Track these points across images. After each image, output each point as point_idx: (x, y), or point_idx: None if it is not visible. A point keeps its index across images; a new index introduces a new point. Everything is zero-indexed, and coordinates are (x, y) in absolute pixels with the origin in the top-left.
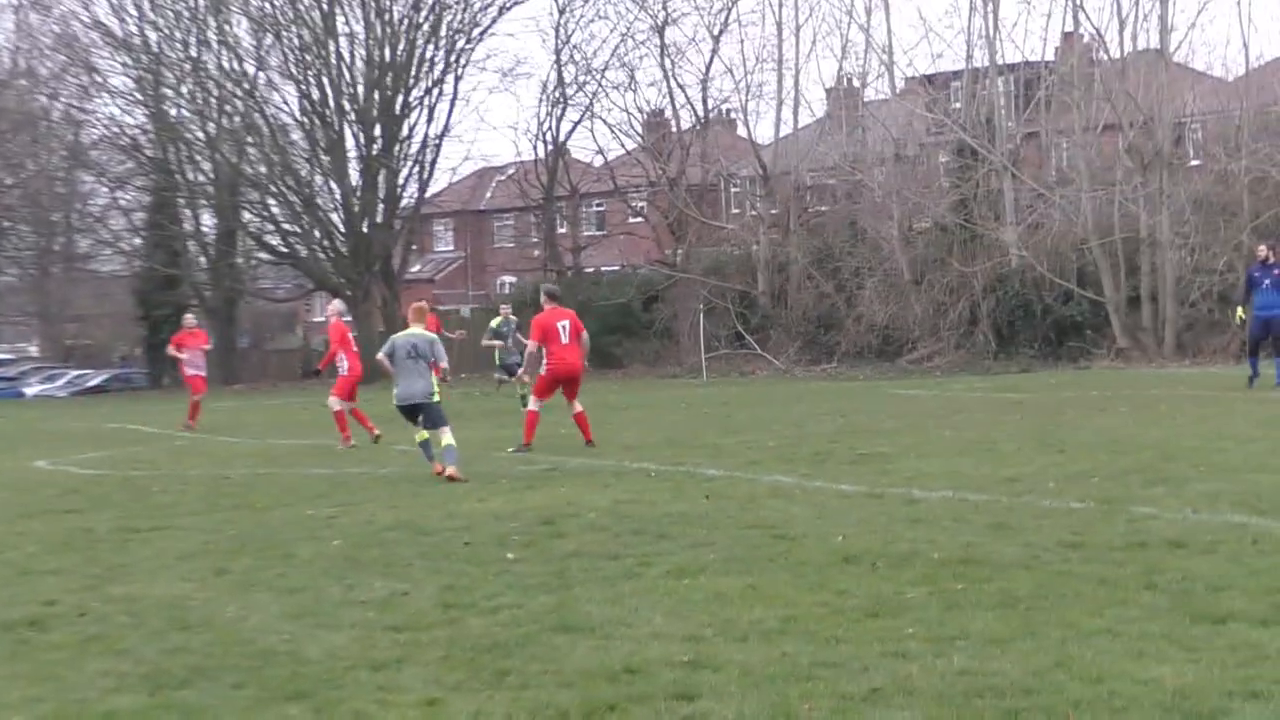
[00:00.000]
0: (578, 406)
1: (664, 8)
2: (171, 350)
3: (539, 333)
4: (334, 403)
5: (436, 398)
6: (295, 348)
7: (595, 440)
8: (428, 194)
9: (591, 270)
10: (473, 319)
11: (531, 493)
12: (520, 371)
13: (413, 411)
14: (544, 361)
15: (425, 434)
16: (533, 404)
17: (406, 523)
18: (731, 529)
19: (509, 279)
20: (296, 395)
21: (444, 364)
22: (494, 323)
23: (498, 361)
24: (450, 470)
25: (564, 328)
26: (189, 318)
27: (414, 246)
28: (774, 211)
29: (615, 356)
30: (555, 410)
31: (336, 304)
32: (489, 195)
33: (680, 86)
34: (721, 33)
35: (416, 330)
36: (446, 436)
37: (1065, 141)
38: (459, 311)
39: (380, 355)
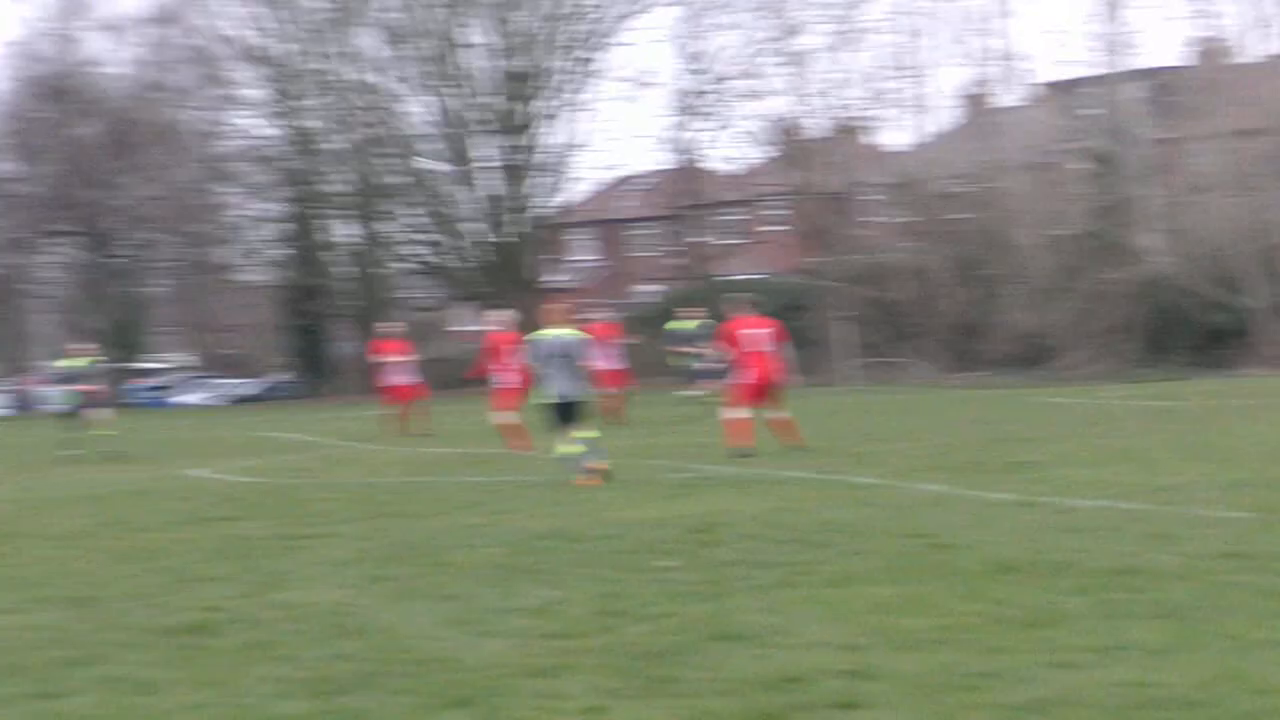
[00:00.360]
0: (778, 414)
1: (793, 16)
2: (374, 358)
3: (730, 339)
4: (499, 417)
5: (588, 398)
6: (438, 357)
7: (804, 442)
8: (563, 203)
9: (731, 278)
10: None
11: (684, 501)
12: (709, 381)
13: (568, 411)
14: (738, 370)
15: (579, 448)
16: (736, 412)
17: (560, 530)
18: (887, 537)
19: (647, 287)
20: (443, 404)
21: (594, 366)
22: (675, 326)
23: (688, 367)
24: (580, 479)
25: (759, 334)
26: (392, 326)
27: (551, 256)
28: (911, 219)
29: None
30: (699, 422)
31: (495, 314)
32: (626, 204)
33: (810, 94)
34: (852, 40)
35: (562, 330)
36: (583, 435)
37: (1202, 147)
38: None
39: (527, 359)
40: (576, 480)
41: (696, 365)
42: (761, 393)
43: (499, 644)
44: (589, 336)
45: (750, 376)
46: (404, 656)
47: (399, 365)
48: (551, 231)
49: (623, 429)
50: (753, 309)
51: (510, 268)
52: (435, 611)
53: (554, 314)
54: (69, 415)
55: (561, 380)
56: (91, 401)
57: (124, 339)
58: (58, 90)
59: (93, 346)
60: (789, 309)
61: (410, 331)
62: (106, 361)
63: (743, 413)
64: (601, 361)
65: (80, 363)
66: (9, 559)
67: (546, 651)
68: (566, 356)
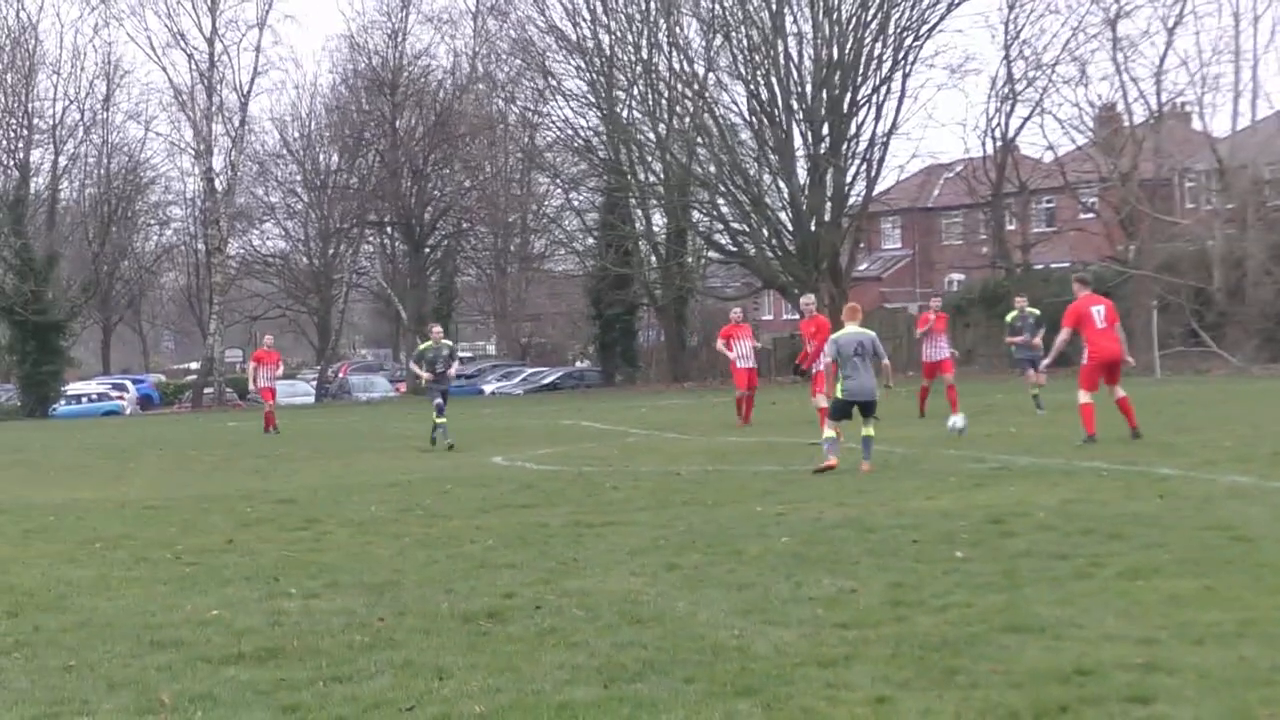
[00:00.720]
0: (1120, 392)
1: (1117, 1)
2: (719, 345)
3: (1073, 319)
4: (819, 400)
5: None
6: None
7: (1140, 428)
8: (875, 192)
9: (1040, 267)
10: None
11: (980, 491)
12: (1042, 367)
13: (865, 407)
14: (1084, 350)
15: (870, 430)
16: (1082, 397)
17: (854, 520)
18: (1186, 530)
19: (957, 276)
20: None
21: (886, 360)
22: (1009, 317)
23: (1016, 356)
24: (864, 465)
25: (1099, 313)
26: (736, 311)
27: (861, 244)
28: (1230, 206)
29: (1065, 354)
30: (1001, 411)
31: (808, 297)
32: (937, 193)
33: (1133, 80)
34: (1176, 25)
35: (858, 329)
36: (869, 428)
37: None
38: (906, 309)
39: (826, 358)
40: (862, 467)
41: (1029, 355)
42: (1105, 371)
43: (789, 633)
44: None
45: (1094, 356)
46: (694, 645)
47: (745, 352)
48: (863, 220)
49: (924, 419)
50: (1090, 287)
51: (820, 256)
52: (727, 600)
53: (853, 312)
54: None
55: (859, 377)
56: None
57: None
58: (382, 83)
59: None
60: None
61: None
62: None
63: (1087, 397)
64: (934, 352)
65: (435, 344)
66: (310, 545)
67: (837, 641)
68: (864, 354)
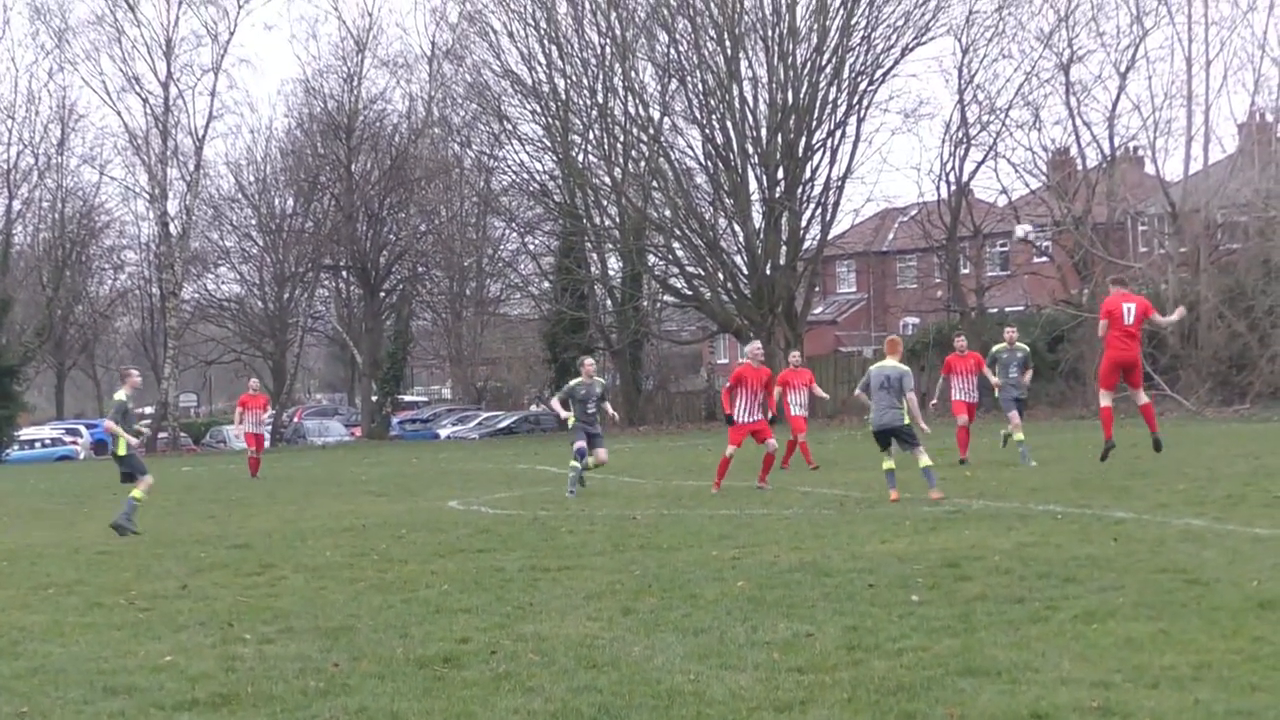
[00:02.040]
0: (1143, 398)
1: (1069, 45)
2: (776, 391)
3: (1104, 313)
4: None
5: (907, 421)
6: (700, 390)
7: (1161, 436)
8: (830, 235)
9: (995, 311)
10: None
11: (935, 534)
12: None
13: (885, 437)
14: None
15: (891, 463)
16: (1103, 399)
17: (810, 564)
18: (1141, 573)
19: (911, 320)
20: (701, 437)
21: (912, 394)
22: (996, 349)
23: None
24: (933, 494)
25: (1129, 309)
26: (795, 355)
27: (816, 288)
28: (1183, 250)
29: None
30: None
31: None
32: (891, 236)
33: (1086, 124)
34: (1129, 69)
35: (890, 362)
36: (923, 458)
37: None
38: (860, 353)
39: (858, 390)
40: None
41: (1015, 394)
42: (1123, 372)
43: (745, 677)
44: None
45: (1111, 354)
46: (650, 689)
47: (800, 395)
48: (817, 264)
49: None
50: (1125, 287)
51: (775, 300)
52: (683, 644)
53: (893, 345)
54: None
55: (879, 408)
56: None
57: (390, 371)
58: (337, 127)
59: None
60: (1051, 342)
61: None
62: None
63: (1106, 399)
64: (959, 394)
65: (587, 381)
66: (265, 590)
67: (793, 685)
68: (889, 388)
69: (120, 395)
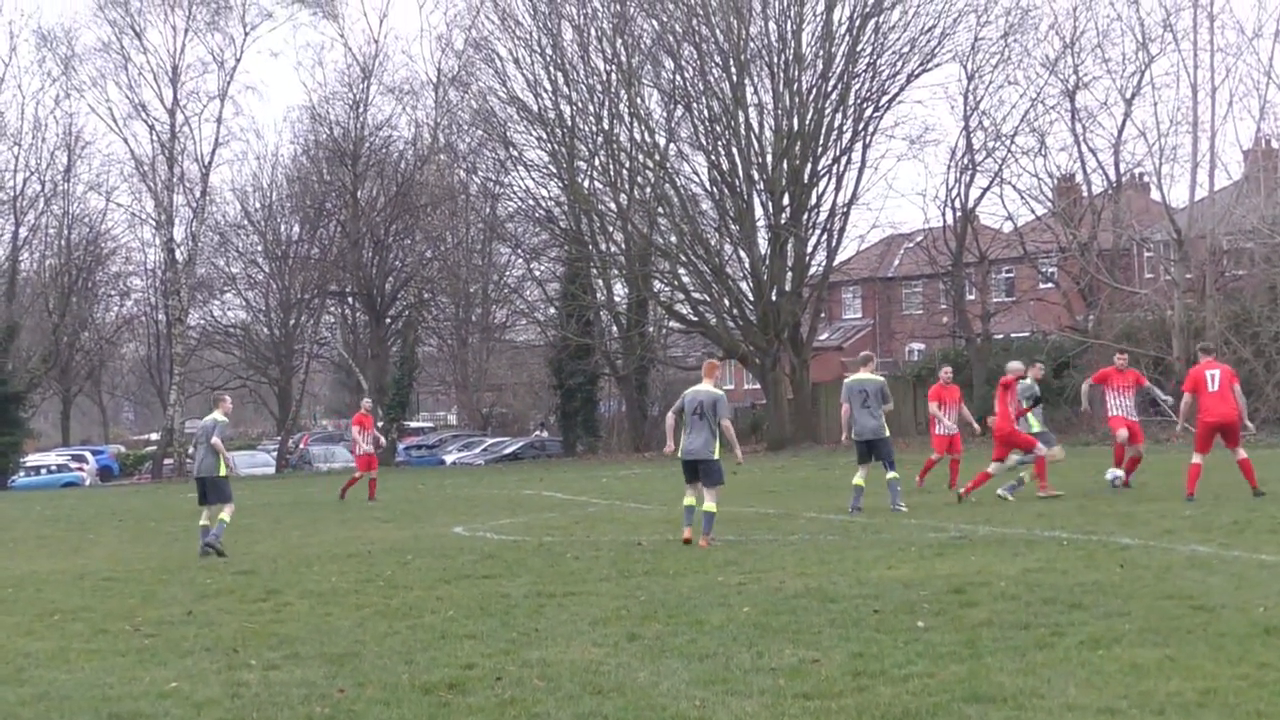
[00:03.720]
0: (1241, 454)
1: (1075, 72)
2: (933, 408)
3: (1190, 384)
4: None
5: (716, 455)
6: None
7: (1260, 486)
8: (835, 262)
9: (1000, 337)
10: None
11: (941, 560)
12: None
13: (693, 468)
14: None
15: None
16: (1195, 457)
17: (815, 590)
18: (1147, 599)
19: (917, 346)
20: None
21: (727, 421)
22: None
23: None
24: (701, 540)
25: (1213, 376)
26: (947, 371)
27: (822, 314)
28: (1189, 276)
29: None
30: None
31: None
32: (897, 263)
33: (1092, 151)
34: (1134, 96)
35: (704, 386)
36: (709, 503)
37: None
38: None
39: (670, 413)
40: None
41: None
42: (1219, 433)
43: (751, 703)
44: (723, 394)
45: (1205, 419)
46: (656, 715)
47: (950, 413)
48: (823, 290)
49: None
50: (1211, 355)
51: (780, 326)
52: (688, 670)
53: (710, 370)
54: None
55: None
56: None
57: (395, 398)
58: (343, 154)
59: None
60: (1056, 368)
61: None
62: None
63: (1198, 458)
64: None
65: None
66: (270, 616)
67: (799, 711)
68: (701, 415)
69: (217, 415)
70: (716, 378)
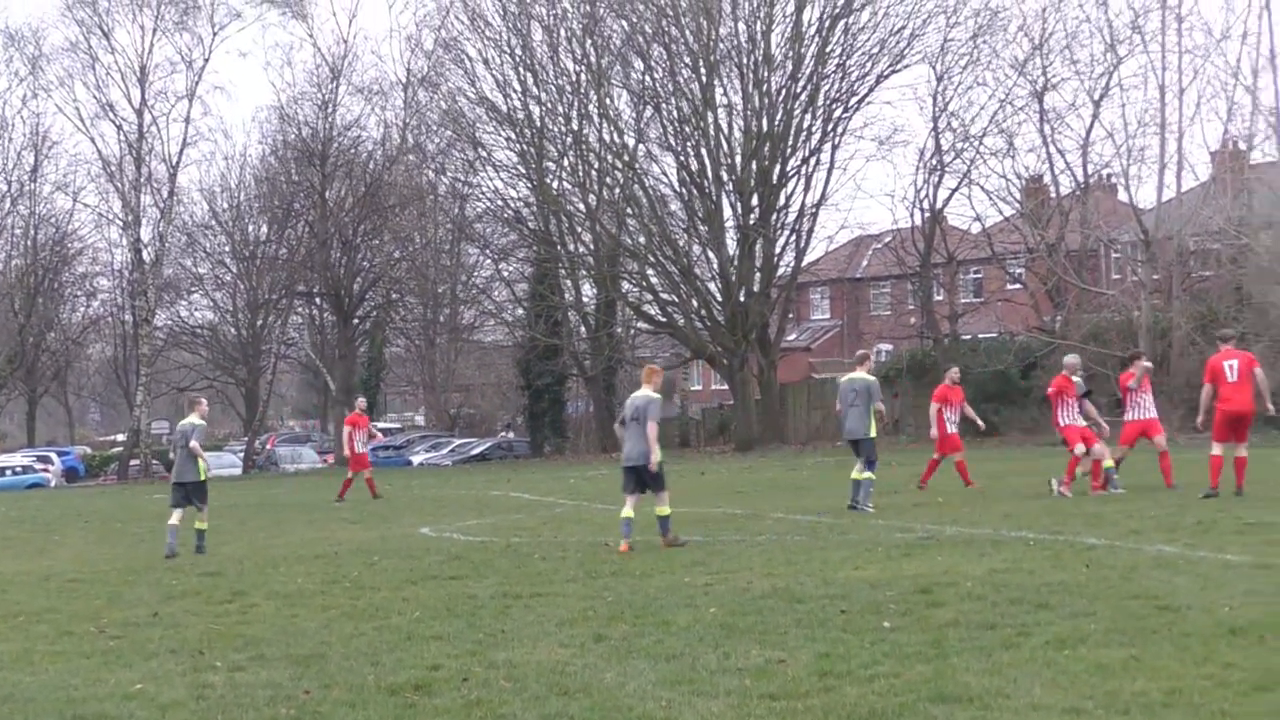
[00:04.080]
0: (1241, 452)
1: (1044, 74)
2: (935, 409)
3: (1209, 374)
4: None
5: (658, 459)
6: (673, 416)
7: (1245, 488)
8: (804, 262)
9: (969, 337)
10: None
11: (908, 561)
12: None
13: (634, 474)
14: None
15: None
16: (1214, 449)
17: (782, 590)
18: (1113, 599)
19: (885, 346)
20: (675, 462)
21: (652, 422)
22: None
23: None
24: (661, 542)
25: (1231, 366)
26: (954, 372)
27: (790, 315)
28: (1156, 277)
29: (993, 424)
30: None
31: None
32: (865, 263)
33: (1060, 152)
34: (1102, 97)
35: (643, 391)
36: (661, 506)
37: None
38: (834, 379)
39: (616, 425)
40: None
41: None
42: (1234, 427)
43: (717, 704)
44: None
45: (1223, 409)
46: (622, 716)
47: (954, 413)
48: (791, 290)
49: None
50: (1230, 342)
51: (748, 327)
52: (655, 671)
53: (650, 375)
54: None
55: (630, 444)
56: None
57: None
58: (312, 154)
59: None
60: (1024, 368)
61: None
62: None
63: (1217, 449)
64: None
65: None
66: (237, 617)
67: (765, 712)
68: (636, 420)
69: (194, 419)
70: (656, 383)
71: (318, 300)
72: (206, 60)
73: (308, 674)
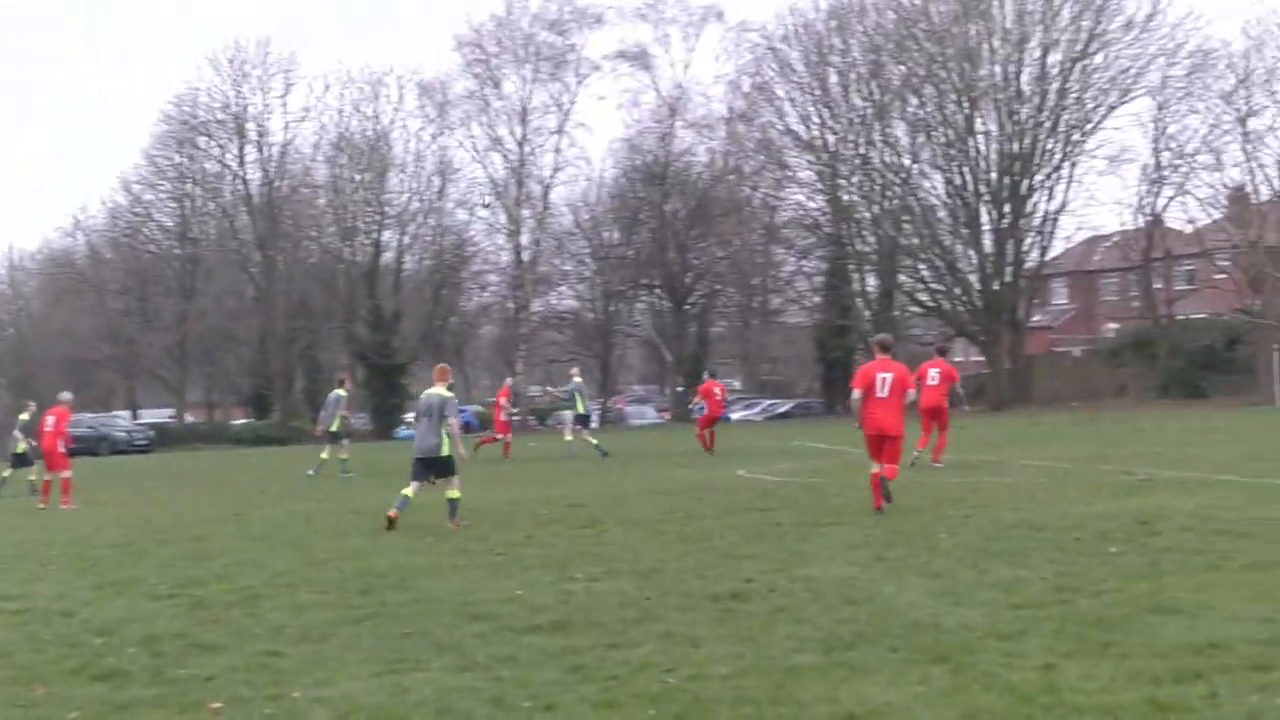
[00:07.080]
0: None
1: (1247, 103)
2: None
3: (860, 382)
4: None
5: (446, 452)
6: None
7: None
8: (1047, 258)
9: (1182, 317)
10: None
11: (1130, 498)
12: None
13: (426, 465)
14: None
15: (456, 493)
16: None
17: (1027, 521)
18: None
19: (1113, 326)
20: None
21: (453, 420)
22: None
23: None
24: (451, 525)
25: (884, 380)
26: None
27: (1036, 300)
28: None
29: (1201, 389)
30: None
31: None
32: (1097, 258)
33: (1260, 166)
34: None
35: (435, 389)
36: (453, 490)
37: None
38: (1071, 353)
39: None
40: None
41: None
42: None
43: (973, 612)
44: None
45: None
46: (897, 620)
47: None
48: (1036, 281)
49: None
50: (888, 352)
51: (1002, 310)
52: (923, 585)
53: (441, 374)
54: None
55: (422, 436)
56: None
57: (694, 368)
58: (654, 175)
59: None
60: (1228, 343)
61: None
62: None
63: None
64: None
65: None
66: (593, 540)
67: (1012, 619)
68: (430, 416)
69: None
70: (447, 381)
71: (657, 291)
72: (572, 103)
73: (648, 584)
